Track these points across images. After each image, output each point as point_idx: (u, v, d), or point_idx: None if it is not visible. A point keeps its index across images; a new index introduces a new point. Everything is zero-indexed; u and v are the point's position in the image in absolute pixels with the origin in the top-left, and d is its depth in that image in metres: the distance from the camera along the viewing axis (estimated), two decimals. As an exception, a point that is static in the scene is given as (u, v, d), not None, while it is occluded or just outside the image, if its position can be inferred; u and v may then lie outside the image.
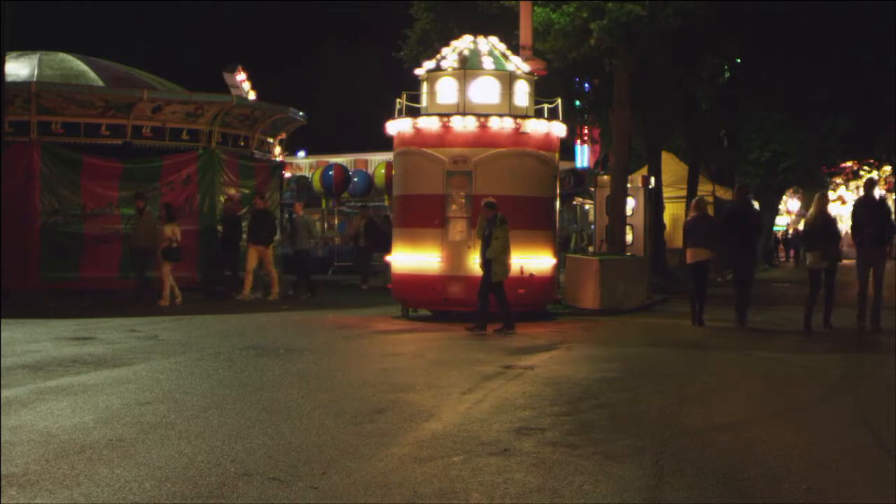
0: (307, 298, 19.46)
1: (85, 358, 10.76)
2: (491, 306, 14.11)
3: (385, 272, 23.23)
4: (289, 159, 36.25)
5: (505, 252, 14.02)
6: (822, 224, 14.29)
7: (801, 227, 66.08)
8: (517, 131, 15.69)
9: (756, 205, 41.29)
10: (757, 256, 16.80)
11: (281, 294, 19.45)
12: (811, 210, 14.76)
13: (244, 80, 30.49)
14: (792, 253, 57.27)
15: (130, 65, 24.02)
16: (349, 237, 25.47)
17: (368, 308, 17.82)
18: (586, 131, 32.67)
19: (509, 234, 14.05)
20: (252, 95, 28.35)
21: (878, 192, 43.72)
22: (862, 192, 15.54)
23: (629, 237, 22.96)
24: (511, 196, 15.59)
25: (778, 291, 25.33)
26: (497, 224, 13.98)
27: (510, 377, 9.78)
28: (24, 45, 22.31)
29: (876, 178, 50.85)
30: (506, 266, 14.09)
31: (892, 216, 15.34)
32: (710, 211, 18.24)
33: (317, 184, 34.08)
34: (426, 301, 15.97)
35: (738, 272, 15.45)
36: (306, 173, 40.41)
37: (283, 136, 25.60)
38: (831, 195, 61.93)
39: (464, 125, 15.55)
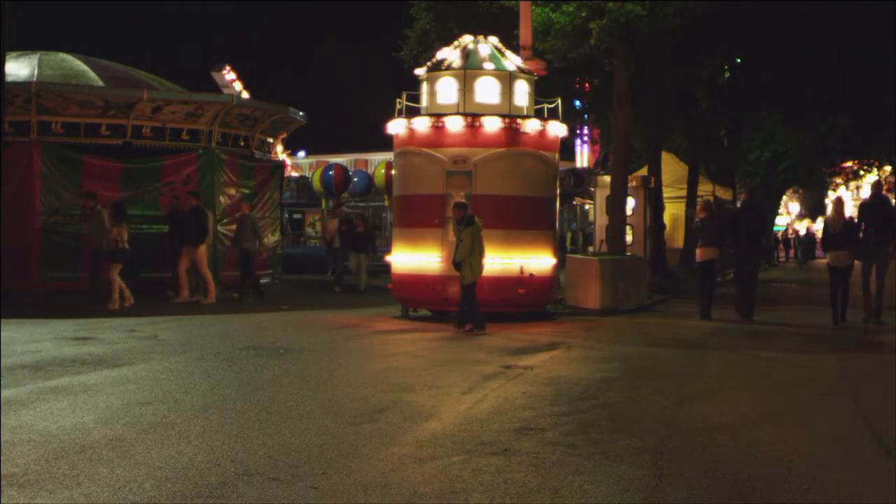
0: (249, 300, 18.53)
1: (85, 358, 10.75)
2: (481, 306, 14.05)
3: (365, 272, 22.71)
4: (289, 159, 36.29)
5: (472, 254, 13.79)
6: (845, 226, 15.25)
7: (801, 229, 66.10)
8: (517, 131, 15.68)
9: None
10: (760, 254, 17.48)
11: (223, 297, 18.50)
12: (831, 214, 15.87)
13: (232, 78, 30.51)
14: (792, 253, 57.32)
15: (130, 65, 24.04)
16: (327, 239, 23.98)
17: (368, 308, 17.80)
18: (586, 131, 32.69)
19: (480, 233, 13.86)
20: (238, 88, 28.36)
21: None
22: (869, 193, 16.56)
23: (629, 237, 22.96)
24: (511, 196, 15.61)
25: (777, 291, 25.35)
26: (464, 226, 13.87)
27: (510, 377, 9.79)
28: (24, 45, 22.35)
29: (875, 178, 50.91)
30: (475, 268, 13.86)
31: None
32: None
33: (317, 184, 34.16)
34: (426, 301, 15.96)
35: (743, 269, 16.17)
36: (306, 173, 40.51)
37: (284, 135, 25.63)
38: (831, 195, 62.14)
39: (464, 125, 15.54)
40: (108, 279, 16.70)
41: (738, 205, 19.60)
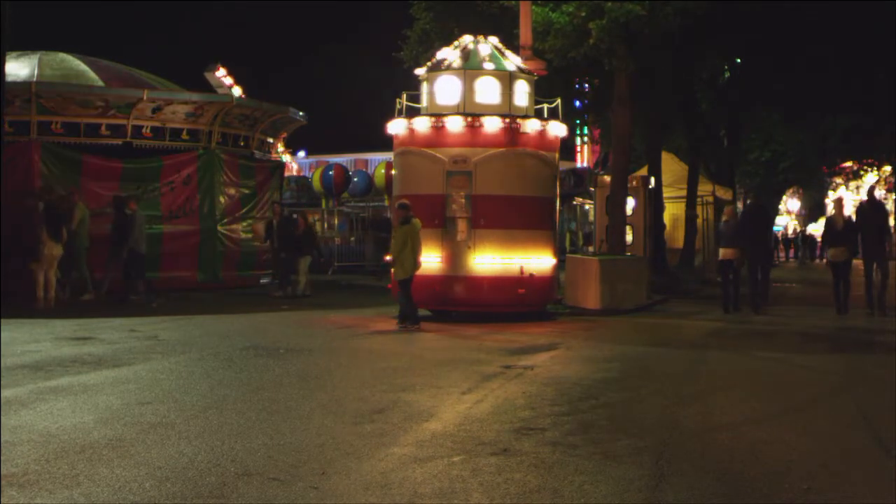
0: (152, 304, 17.22)
1: (85, 358, 10.75)
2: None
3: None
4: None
5: (402, 251, 14.29)
6: (845, 225, 16.89)
7: (804, 228, 66.50)
8: (517, 131, 15.68)
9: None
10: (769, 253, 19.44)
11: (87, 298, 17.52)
12: (832, 213, 17.78)
13: (226, 76, 30.40)
14: (792, 252, 57.31)
15: (130, 65, 24.06)
16: (261, 239, 21.41)
17: (368, 308, 17.80)
18: (586, 131, 32.69)
19: (417, 233, 14.34)
20: (228, 82, 28.27)
21: (878, 193, 44.96)
22: (865, 197, 18.42)
23: (629, 237, 22.97)
24: (511, 196, 15.61)
25: (777, 291, 25.32)
26: (400, 224, 14.48)
27: (510, 377, 9.79)
28: (24, 45, 22.35)
29: (875, 178, 50.96)
30: (406, 265, 14.31)
31: (890, 218, 18.12)
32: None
33: (317, 184, 34.13)
34: (426, 301, 15.94)
35: (753, 266, 17.45)
36: (307, 173, 40.51)
37: (285, 135, 25.61)
38: (832, 195, 62.28)
39: (464, 125, 15.54)
40: (33, 279, 16.45)
41: (744, 206, 21.06)
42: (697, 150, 29.99)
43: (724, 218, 18.78)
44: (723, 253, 17.69)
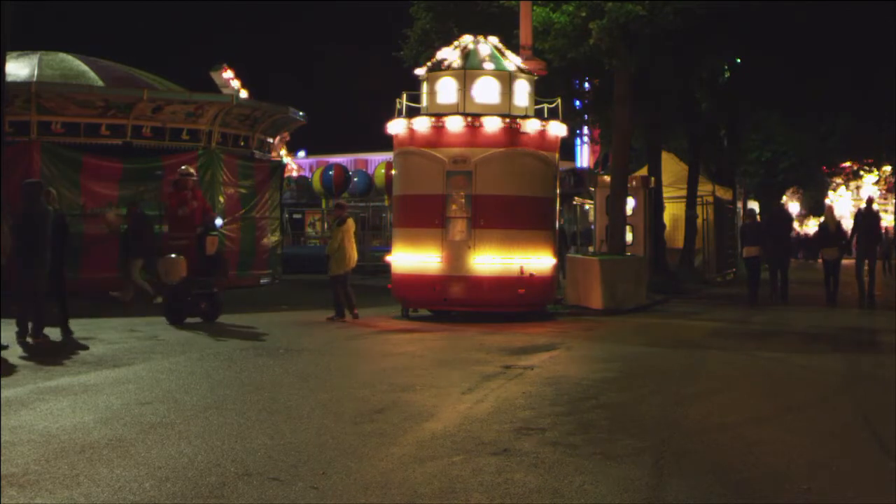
0: None
1: (85, 358, 10.75)
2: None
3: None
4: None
5: (339, 250, 15.12)
6: (836, 229, 19.71)
7: (804, 229, 67.25)
8: (517, 131, 15.68)
9: (756, 206, 41.66)
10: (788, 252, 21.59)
11: None
12: (825, 218, 20.80)
13: (232, 78, 30.42)
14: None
15: (130, 65, 24.05)
16: (114, 228, 18.02)
17: (368, 308, 17.77)
18: (586, 131, 32.64)
19: (349, 232, 15.23)
20: (242, 92, 28.27)
21: (876, 195, 46.38)
22: (863, 206, 20.89)
23: (629, 237, 22.96)
24: (511, 196, 15.62)
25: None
26: (336, 224, 15.41)
27: (510, 377, 9.79)
28: (24, 45, 22.34)
29: (875, 179, 50.95)
30: (340, 262, 15.16)
31: (882, 223, 20.76)
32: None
33: (317, 184, 34.13)
34: (426, 301, 15.97)
35: (775, 264, 20.00)
36: (306, 173, 40.52)
37: (288, 137, 25.55)
38: (832, 195, 62.48)
39: (464, 125, 15.54)
40: None
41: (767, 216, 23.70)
42: (697, 150, 29.94)
43: (745, 220, 21.33)
44: (746, 251, 19.98)
